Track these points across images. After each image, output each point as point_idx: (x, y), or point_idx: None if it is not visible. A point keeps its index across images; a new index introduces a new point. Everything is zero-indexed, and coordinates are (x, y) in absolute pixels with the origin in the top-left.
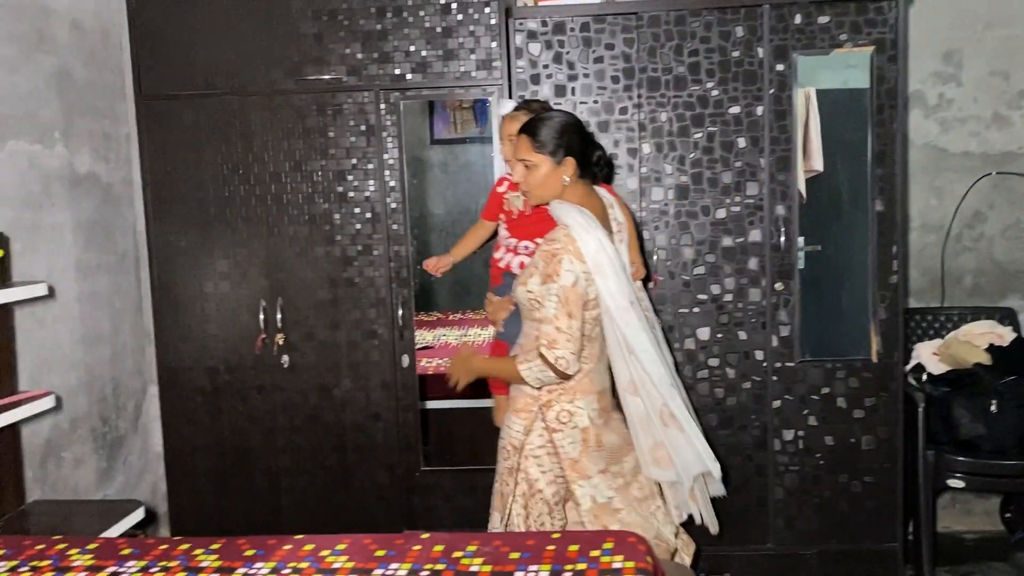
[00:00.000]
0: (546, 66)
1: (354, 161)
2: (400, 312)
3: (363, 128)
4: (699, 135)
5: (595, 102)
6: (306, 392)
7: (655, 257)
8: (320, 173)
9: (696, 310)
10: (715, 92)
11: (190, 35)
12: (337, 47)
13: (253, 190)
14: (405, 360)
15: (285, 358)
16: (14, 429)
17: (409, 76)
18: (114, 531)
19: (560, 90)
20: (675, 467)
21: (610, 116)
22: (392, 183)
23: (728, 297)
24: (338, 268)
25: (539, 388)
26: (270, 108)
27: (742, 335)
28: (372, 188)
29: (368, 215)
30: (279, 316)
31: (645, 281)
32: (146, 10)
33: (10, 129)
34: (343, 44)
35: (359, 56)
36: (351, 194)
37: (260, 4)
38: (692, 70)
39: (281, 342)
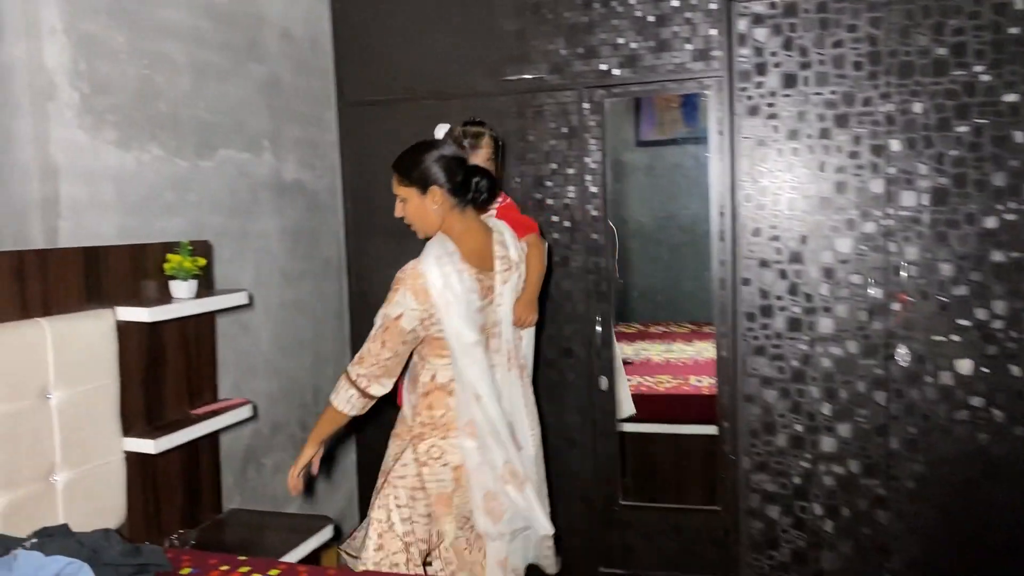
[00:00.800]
0: (774, 53)
1: (553, 166)
2: (599, 329)
3: (564, 130)
4: (963, 129)
5: (832, 93)
6: None
7: (903, 274)
8: (518, 179)
9: (955, 338)
10: (985, 77)
11: (391, 40)
12: (540, 44)
13: None
14: (604, 382)
15: None
16: (214, 437)
17: (617, 72)
18: (303, 549)
19: (790, 80)
20: (503, 522)
21: (850, 108)
22: (593, 189)
23: (998, 324)
24: None
25: (356, 415)
26: (469, 112)
27: (1015, 370)
28: (572, 194)
29: (567, 224)
30: None
31: (539, 327)
32: (349, 17)
33: (221, 138)
34: (546, 40)
35: (563, 52)
36: (549, 201)
37: (460, 4)
38: (955, 51)
39: None
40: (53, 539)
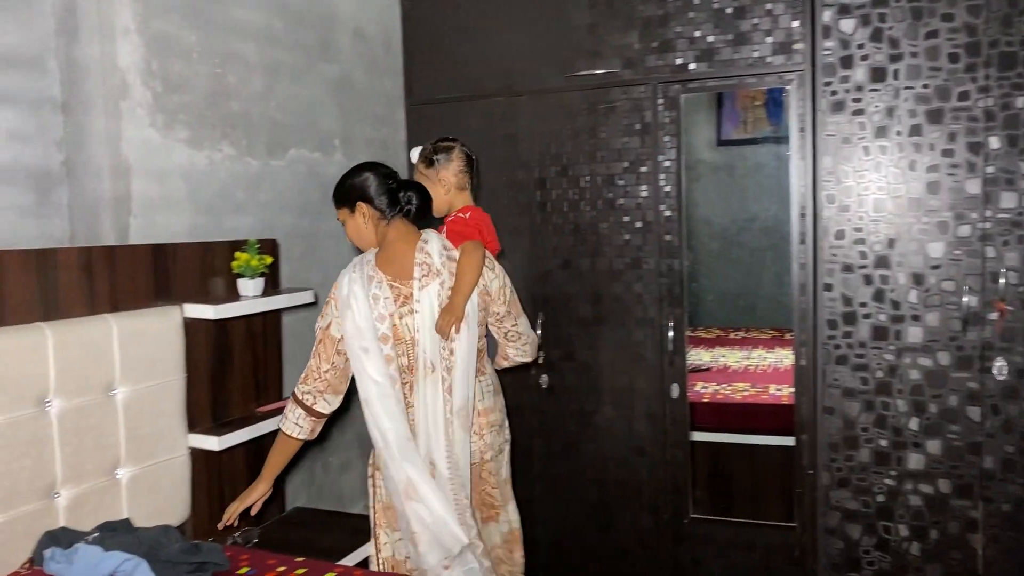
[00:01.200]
0: (861, 45)
1: (626, 164)
2: (671, 335)
3: (637, 127)
4: None
5: (924, 87)
6: (564, 417)
7: (1002, 280)
8: (587, 178)
9: None
10: None
11: (460, 37)
12: (612, 37)
13: (516, 197)
14: (675, 390)
15: (544, 378)
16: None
17: (692, 66)
18: (363, 551)
19: (878, 74)
20: (420, 545)
21: (944, 103)
22: (667, 188)
23: None
24: (604, 283)
25: (306, 439)
26: (539, 108)
27: None
28: (644, 194)
29: (639, 224)
30: (539, 333)
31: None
32: (418, 14)
33: (292, 137)
34: (619, 34)
35: (636, 46)
36: (620, 201)
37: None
38: None
39: (540, 360)
40: (114, 534)
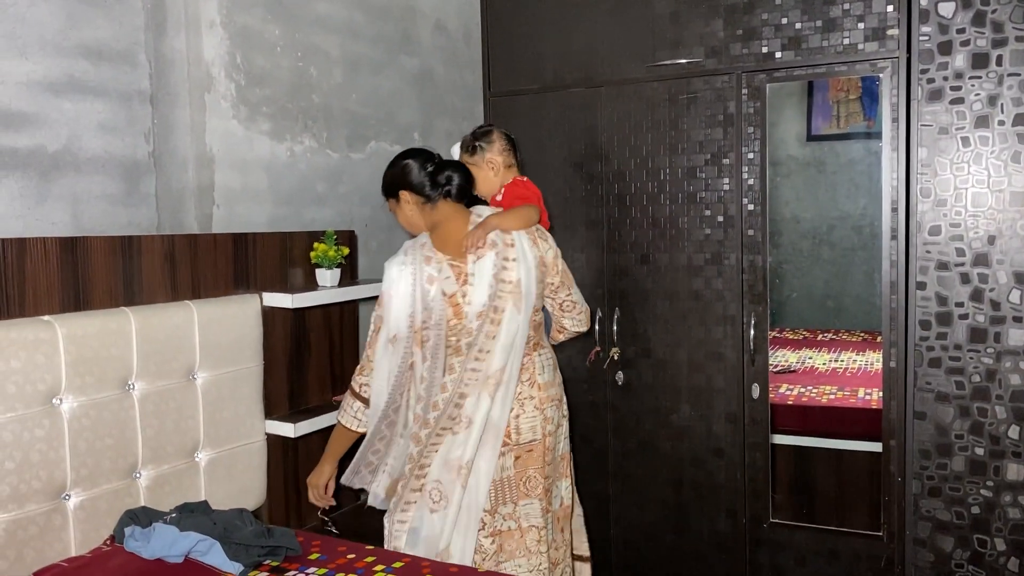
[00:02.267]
0: (961, 30)
1: (707, 156)
2: (752, 333)
3: (720, 118)
4: None
5: None
6: (640, 415)
7: None
8: (668, 170)
9: None
10: None
11: (539, 28)
12: (695, 26)
13: (595, 190)
14: (755, 390)
15: (619, 375)
16: None
17: (779, 55)
18: None
19: (980, 60)
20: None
21: None
22: (751, 181)
23: None
24: (683, 278)
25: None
26: (618, 99)
27: None
28: (727, 187)
29: (720, 219)
30: (615, 328)
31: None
32: (498, 6)
33: (372, 130)
34: (702, 22)
35: (720, 35)
36: (702, 194)
37: None
38: None
39: (616, 357)
40: (191, 515)
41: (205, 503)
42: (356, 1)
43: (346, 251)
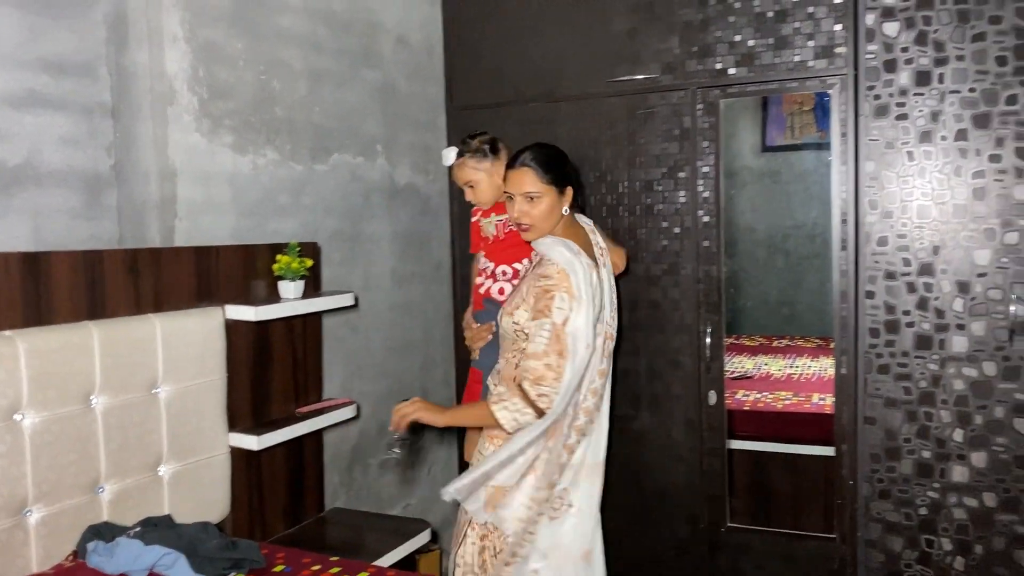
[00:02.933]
0: (905, 49)
1: (664, 170)
2: (708, 341)
3: (676, 132)
4: None
5: (971, 91)
6: None
7: None
8: (626, 184)
9: None
10: None
11: (501, 43)
12: (652, 43)
13: None
14: (712, 397)
15: None
16: (318, 436)
17: (732, 71)
18: (399, 552)
19: (923, 78)
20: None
21: (992, 107)
22: (706, 194)
23: None
24: (641, 288)
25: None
26: (578, 114)
27: None
28: (682, 200)
29: (677, 230)
30: None
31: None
32: (459, 21)
33: (335, 142)
34: (659, 39)
35: (676, 51)
36: (659, 207)
37: (570, 5)
38: None
39: None
40: (155, 529)
41: (168, 517)
42: (319, 15)
43: (309, 263)
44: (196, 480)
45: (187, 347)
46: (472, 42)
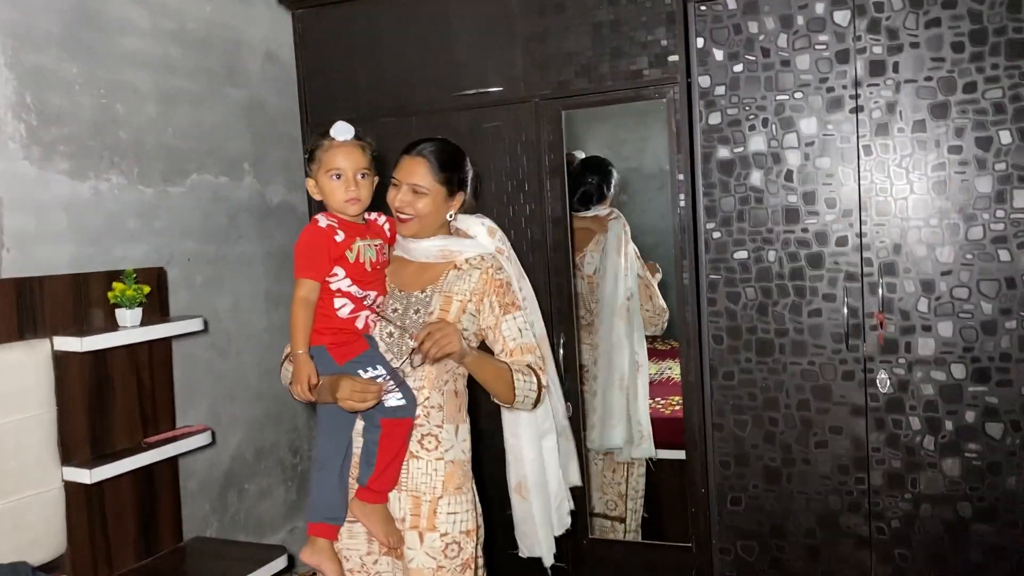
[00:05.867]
0: (859, 37)
1: (513, 183)
2: (561, 352)
3: (519, 146)
4: None
5: (927, 79)
6: None
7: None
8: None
9: None
10: None
11: (353, 59)
12: (495, 59)
13: None
14: (570, 409)
15: None
16: (173, 464)
17: (573, 83)
18: None
19: (877, 67)
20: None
21: (949, 96)
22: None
23: None
24: None
25: (533, 408)
26: (428, 129)
27: None
28: (529, 211)
29: (523, 244)
30: None
31: None
32: (311, 37)
33: (193, 163)
34: (501, 53)
35: (519, 64)
36: (508, 218)
37: (418, 21)
38: None
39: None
40: None
41: None
42: (168, 36)
43: (147, 289)
44: (22, 518)
45: (7, 382)
46: (324, 57)
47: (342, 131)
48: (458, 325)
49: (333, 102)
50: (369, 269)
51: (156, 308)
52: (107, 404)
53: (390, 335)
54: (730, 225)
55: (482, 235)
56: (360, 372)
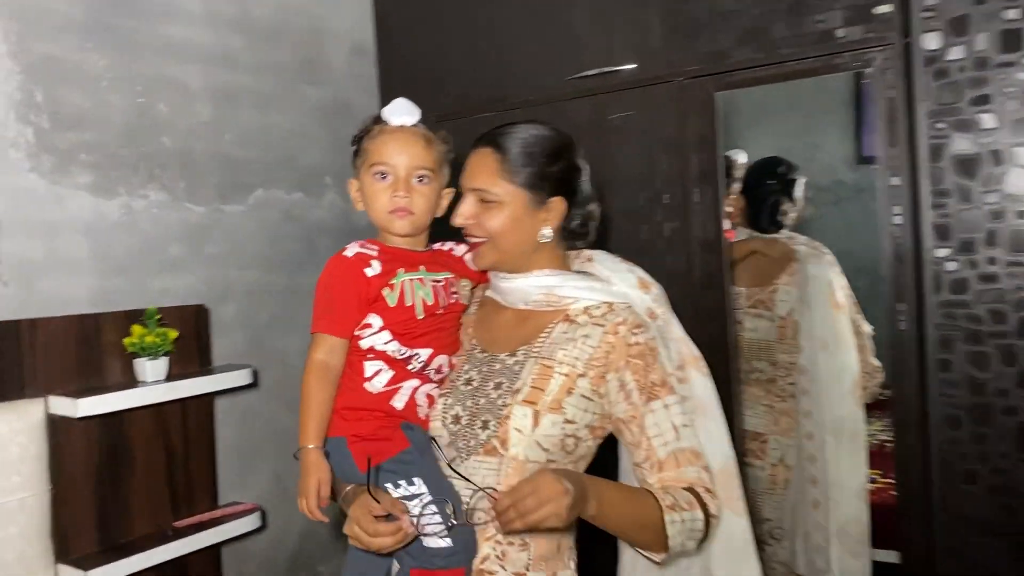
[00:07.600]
0: (981, 2)
1: (649, 194)
2: None
3: (658, 142)
4: None
5: None
6: None
7: None
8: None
9: None
10: None
11: (440, 43)
12: (624, 28)
13: None
14: None
15: None
16: (213, 554)
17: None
18: None
19: (1011, 37)
20: None
21: None
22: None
23: None
24: None
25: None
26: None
27: None
28: (670, 231)
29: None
30: None
31: None
32: (392, 21)
33: (258, 176)
34: (632, 22)
35: (658, 34)
36: (642, 241)
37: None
38: None
39: None
40: None
41: None
42: (228, 23)
43: (174, 334)
44: None
45: None
46: (410, 42)
47: (399, 110)
48: (558, 415)
49: (415, 95)
50: (422, 316)
51: (194, 355)
52: (122, 480)
53: (456, 420)
54: (973, 252)
55: (626, 284)
56: (389, 487)
